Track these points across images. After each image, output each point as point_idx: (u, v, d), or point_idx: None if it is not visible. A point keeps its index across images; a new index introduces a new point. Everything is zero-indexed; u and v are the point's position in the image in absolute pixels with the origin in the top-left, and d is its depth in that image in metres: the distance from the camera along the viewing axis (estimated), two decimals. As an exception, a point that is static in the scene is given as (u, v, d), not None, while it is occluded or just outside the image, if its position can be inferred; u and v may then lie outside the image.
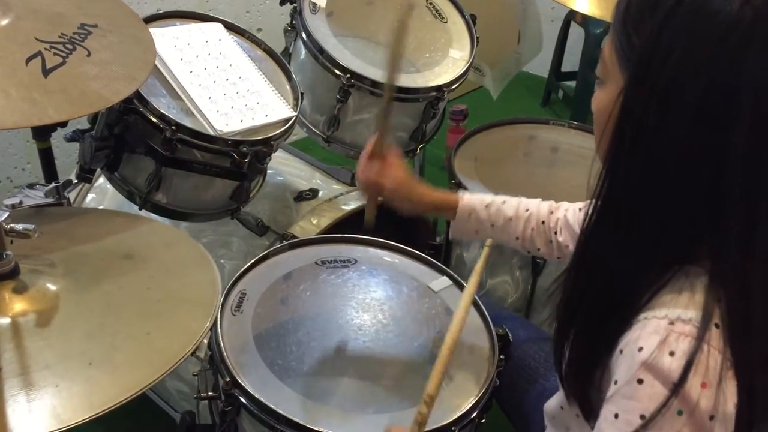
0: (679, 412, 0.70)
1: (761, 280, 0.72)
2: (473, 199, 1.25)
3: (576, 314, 0.85)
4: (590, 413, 0.84)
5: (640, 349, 0.72)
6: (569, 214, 1.20)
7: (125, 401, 0.80)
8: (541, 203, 1.23)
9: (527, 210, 1.22)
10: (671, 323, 0.72)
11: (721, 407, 0.70)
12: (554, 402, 1.00)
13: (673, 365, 0.70)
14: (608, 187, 0.79)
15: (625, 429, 0.72)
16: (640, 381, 0.71)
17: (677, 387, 0.69)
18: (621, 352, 0.75)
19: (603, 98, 0.80)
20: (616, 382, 0.75)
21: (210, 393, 1.11)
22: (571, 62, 3.33)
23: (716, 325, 0.71)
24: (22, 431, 0.76)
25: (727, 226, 0.72)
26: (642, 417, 0.71)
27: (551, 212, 1.21)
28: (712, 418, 0.70)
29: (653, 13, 0.72)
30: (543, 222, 1.21)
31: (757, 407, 0.72)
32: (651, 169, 0.74)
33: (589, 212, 0.81)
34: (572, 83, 3.31)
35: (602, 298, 0.80)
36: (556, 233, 1.21)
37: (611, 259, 0.79)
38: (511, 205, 1.23)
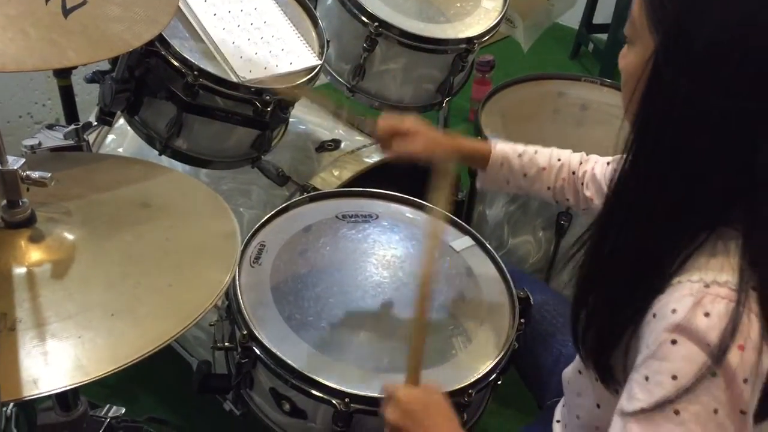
0: (713, 374, 0.68)
1: None
2: (506, 147, 1.22)
3: (599, 280, 0.83)
4: (610, 379, 0.83)
5: (674, 311, 0.70)
6: (597, 168, 1.18)
7: (150, 353, 0.78)
8: (572, 154, 1.22)
9: (559, 160, 1.21)
10: (706, 286, 0.70)
11: (758, 371, 0.68)
12: (571, 366, 0.99)
13: (708, 326, 0.68)
14: (636, 153, 0.76)
15: (657, 391, 0.71)
16: (674, 342, 0.70)
17: (713, 348, 0.67)
18: (654, 316, 0.73)
19: (632, 60, 0.77)
20: (648, 347, 0.73)
21: (227, 344, 1.11)
22: (603, 14, 3.22)
23: (754, 288, 0.70)
24: (46, 383, 0.73)
25: (762, 191, 0.70)
26: (674, 377, 0.69)
27: (581, 163, 1.20)
28: (746, 381, 0.68)
29: None
30: (573, 173, 1.20)
31: None
32: (683, 138, 0.72)
33: (617, 175, 0.79)
34: (603, 36, 3.21)
35: (630, 264, 0.78)
36: (583, 184, 1.19)
37: (640, 224, 0.77)
38: (543, 154, 1.22)
